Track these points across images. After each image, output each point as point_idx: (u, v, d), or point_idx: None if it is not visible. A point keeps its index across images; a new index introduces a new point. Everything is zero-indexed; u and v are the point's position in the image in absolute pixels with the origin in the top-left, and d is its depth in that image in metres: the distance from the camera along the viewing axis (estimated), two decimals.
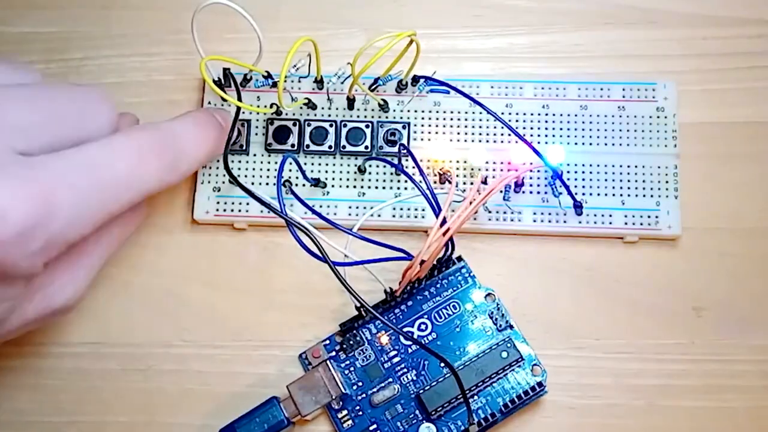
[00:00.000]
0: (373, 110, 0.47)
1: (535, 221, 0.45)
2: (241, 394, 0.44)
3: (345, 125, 0.46)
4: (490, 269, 0.45)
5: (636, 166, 0.45)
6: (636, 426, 0.43)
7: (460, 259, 0.45)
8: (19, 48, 0.49)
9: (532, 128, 0.46)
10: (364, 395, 0.43)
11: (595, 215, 0.45)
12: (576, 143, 0.46)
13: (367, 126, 0.46)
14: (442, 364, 0.43)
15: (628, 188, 0.45)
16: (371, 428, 0.43)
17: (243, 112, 0.46)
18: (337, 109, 0.47)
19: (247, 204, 0.45)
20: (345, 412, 0.43)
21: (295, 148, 0.46)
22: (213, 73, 0.45)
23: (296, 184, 0.45)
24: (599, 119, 0.46)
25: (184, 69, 0.49)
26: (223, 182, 0.46)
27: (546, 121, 0.46)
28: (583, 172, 0.46)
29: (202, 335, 0.45)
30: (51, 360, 0.45)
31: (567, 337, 0.44)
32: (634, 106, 0.46)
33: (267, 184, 0.46)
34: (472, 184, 0.45)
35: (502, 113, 0.46)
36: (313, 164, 0.46)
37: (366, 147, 0.46)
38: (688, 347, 0.44)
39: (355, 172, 0.46)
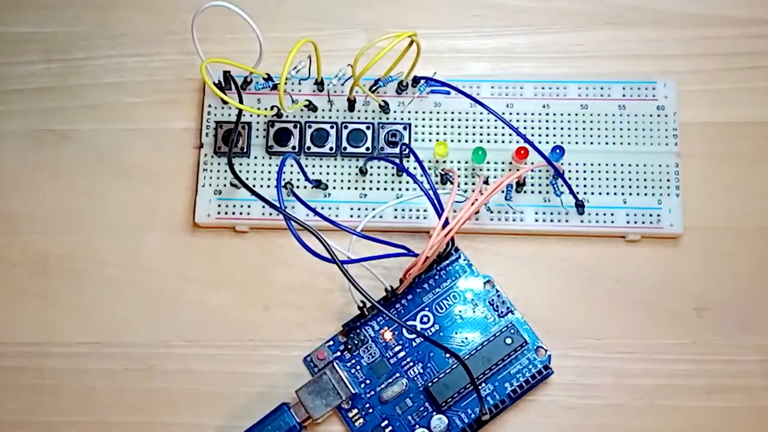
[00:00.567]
0: (373, 111, 0.46)
1: (536, 221, 0.45)
2: (243, 393, 0.44)
3: (346, 127, 0.46)
4: (492, 269, 0.45)
5: (637, 165, 0.45)
6: (637, 426, 0.43)
7: (456, 249, 0.45)
8: (19, 48, 0.49)
9: (533, 128, 0.46)
10: (372, 392, 0.43)
11: (596, 214, 0.45)
12: (577, 142, 0.46)
13: (368, 127, 0.46)
14: (448, 355, 0.43)
15: (630, 187, 0.45)
16: (383, 425, 0.43)
17: (244, 115, 0.46)
18: (337, 110, 0.47)
19: (249, 207, 0.45)
20: (355, 411, 0.43)
21: (296, 150, 0.46)
22: (213, 76, 0.45)
23: (298, 186, 0.45)
24: (600, 118, 0.46)
25: (185, 69, 0.48)
26: (224, 185, 0.46)
27: (547, 121, 0.46)
28: (585, 171, 0.46)
29: (204, 335, 0.45)
30: (51, 360, 0.45)
31: (568, 336, 0.44)
32: (635, 105, 0.46)
33: (268, 186, 0.46)
34: (474, 184, 0.45)
35: (503, 113, 0.46)
36: (314, 166, 0.46)
37: (367, 148, 0.46)
38: (689, 347, 0.44)
39: (357, 174, 0.46)
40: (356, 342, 0.44)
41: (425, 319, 0.44)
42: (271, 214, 0.45)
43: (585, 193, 0.45)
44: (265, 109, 0.46)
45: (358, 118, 0.46)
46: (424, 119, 0.46)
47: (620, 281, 0.45)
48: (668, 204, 0.45)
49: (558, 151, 0.44)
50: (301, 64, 0.45)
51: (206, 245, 0.46)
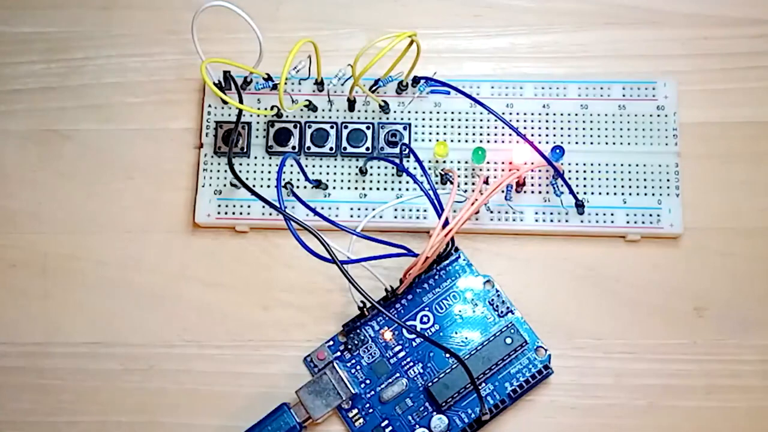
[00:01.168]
0: (373, 111, 0.47)
1: (536, 221, 0.45)
2: (243, 393, 0.44)
3: (346, 127, 0.46)
4: (492, 269, 0.45)
5: (637, 165, 0.45)
6: (637, 426, 0.43)
7: (456, 249, 0.45)
8: (19, 48, 0.49)
9: (533, 128, 0.46)
10: (372, 392, 0.43)
11: (596, 214, 0.45)
12: (577, 142, 0.46)
13: (368, 127, 0.46)
14: (448, 355, 0.43)
15: (630, 187, 0.45)
16: (383, 424, 0.43)
17: (244, 115, 0.46)
18: (337, 110, 0.47)
19: (249, 207, 0.45)
20: (355, 411, 0.43)
21: (296, 150, 0.46)
22: (213, 76, 0.45)
23: (297, 186, 0.45)
24: (600, 118, 0.46)
25: (185, 69, 0.48)
26: (224, 185, 0.46)
27: (547, 121, 0.46)
28: (585, 171, 0.46)
29: (204, 335, 0.45)
30: (52, 360, 0.45)
31: (568, 336, 0.44)
32: (635, 105, 0.46)
33: (268, 186, 0.46)
34: (474, 184, 0.45)
35: (503, 113, 0.46)
36: (314, 166, 0.46)
37: (367, 148, 0.46)
38: (689, 347, 0.44)
39: (357, 174, 0.46)
40: (356, 342, 0.44)
41: (425, 319, 0.44)
42: (271, 214, 0.45)
43: (585, 193, 0.45)
44: (265, 109, 0.46)
45: (358, 118, 0.46)
46: (424, 119, 0.46)
47: (620, 281, 0.45)
48: (668, 204, 0.45)
49: (558, 151, 0.44)
50: (301, 64, 0.45)
51: (206, 245, 0.46)
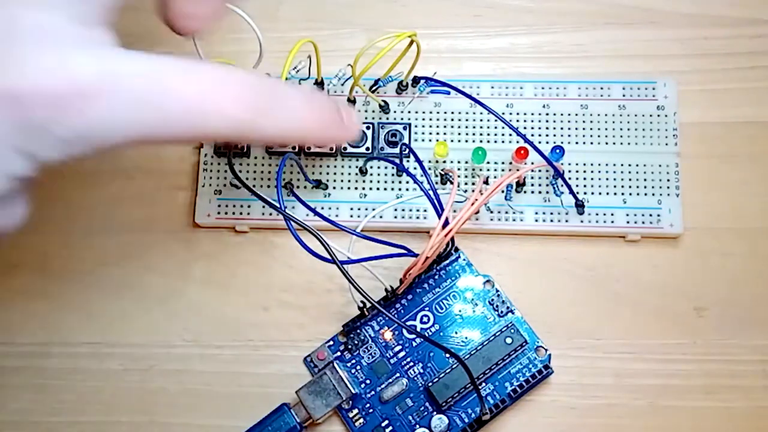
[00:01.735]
0: (373, 111, 0.47)
1: (536, 221, 0.45)
2: (243, 393, 0.44)
3: None
4: (492, 269, 0.45)
5: (637, 165, 0.45)
6: (637, 426, 0.43)
7: (456, 249, 0.45)
8: None
9: (532, 128, 0.46)
10: (373, 392, 0.43)
11: (596, 214, 0.45)
12: (577, 143, 0.46)
13: (368, 127, 0.46)
14: (448, 355, 0.43)
15: (630, 187, 0.45)
16: (383, 425, 0.43)
17: None
18: None
19: (249, 207, 0.45)
20: (356, 411, 0.43)
21: (296, 149, 0.46)
22: None
23: (297, 186, 0.45)
24: (600, 118, 0.46)
25: None
26: (224, 185, 0.46)
27: (546, 121, 0.46)
28: (585, 171, 0.46)
29: (204, 335, 0.45)
30: (52, 360, 0.45)
31: (568, 336, 0.44)
32: (635, 105, 0.46)
33: (268, 186, 0.46)
34: (474, 184, 0.45)
35: (503, 113, 0.46)
36: (314, 166, 0.46)
37: (367, 148, 0.46)
38: (689, 347, 0.44)
39: (357, 174, 0.46)
40: (356, 342, 0.44)
41: (425, 319, 0.44)
42: (271, 214, 0.45)
43: (585, 193, 0.45)
44: None
45: (358, 118, 0.46)
46: (424, 119, 0.46)
47: (620, 281, 0.45)
48: (668, 204, 0.45)
49: (558, 151, 0.44)
50: (301, 64, 0.45)
51: (206, 245, 0.46)
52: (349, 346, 0.44)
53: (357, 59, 0.41)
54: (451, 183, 0.44)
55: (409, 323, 0.44)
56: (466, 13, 0.49)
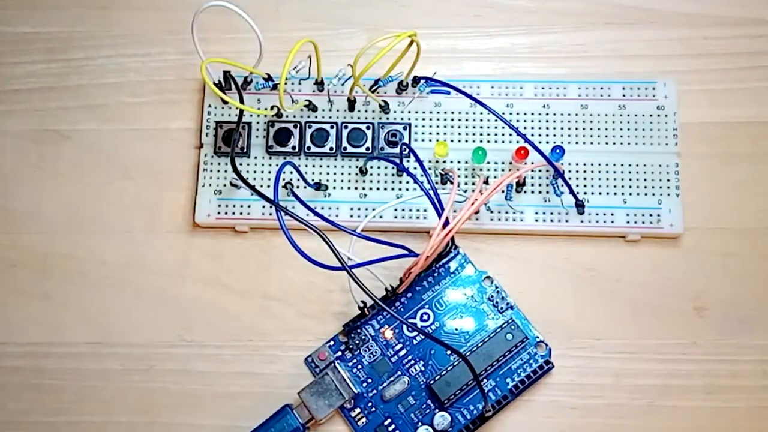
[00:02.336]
0: (374, 111, 0.47)
1: (537, 221, 0.45)
2: (242, 394, 0.44)
3: (346, 127, 0.46)
4: (492, 269, 0.45)
5: (637, 165, 0.45)
6: (637, 426, 0.43)
7: (455, 247, 0.45)
8: (19, 48, 0.49)
9: (532, 128, 0.46)
10: (375, 391, 0.43)
11: (597, 214, 0.45)
12: (577, 142, 0.46)
13: (368, 127, 0.46)
14: (449, 352, 0.43)
15: (630, 187, 0.45)
16: (386, 423, 0.43)
17: (244, 115, 0.46)
18: (337, 110, 0.47)
19: (249, 206, 0.45)
20: (358, 410, 0.43)
21: (296, 150, 0.46)
22: (213, 76, 0.45)
23: (297, 186, 0.45)
24: (600, 118, 0.46)
25: (184, 69, 0.48)
26: (224, 185, 0.46)
27: (547, 121, 0.46)
28: (585, 171, 0.46)
29: (204, 335, 0.45)
30: (52, 360, 0.45)
31: (568, 336, 0.44)
32: (635, 105, 0.46)
33: (268, 186, 0.46)
34: (474, 184, 0.45)
35: (503, 113, 0.46)
36: (314, 166, 0.46)
37: (367, 148, 0.46)
38: (689, 347, 0.44)
39: (357, 174, 0.46)
40: (357, 341, 0.44)
41: (425, 317, 0.44)
42: (270, 214, 0.45)
43: (585, 193, 0.45)
44: (265, 109, 0.46)
45: (358, 118, 0.46)
46: (424, 119, 0.46)
47: (620, 281, 0.45)
48: (668, 204, 0.45)
49: (558, 150, 0.44)
50: (301, 64, 0.45)
51: (206, 245, 0.46)
52: (350, 346, 0.44)
53: (357, 59, 0.41)
54: (451, 183, 0.44)
55: (409, 321, 0.44)
56: (466, 13, 0.49)
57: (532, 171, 0.45)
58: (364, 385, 0.43)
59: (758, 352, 0.44)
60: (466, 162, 0.46)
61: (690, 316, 0.44)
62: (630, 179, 0.45)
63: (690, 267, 0.45)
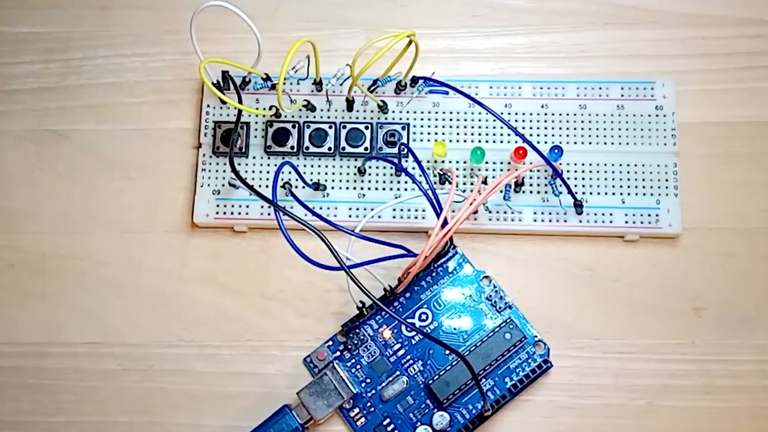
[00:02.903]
0: (372, 111, 0.47)
1: (535, 221, 0.45)
2: (241, 394, 0.44)
3: (344, 127, 0.46)
4: (491, 269, 0.45)
5: (636, 165, 0.45)
6: (636, 426, 0.43)
7: (454, 246, 0.45)
8: (18, 48, 0.49)
9: (531, 128, 0.46)
10: (373, 391, 0.43)
11: (595, 214, 0.45)
12: (575, 142, 0.46)
13: (366, 127, 0.46)
14: (447, 352, 0.43)
15: (628, 187, 0.45)
16: (385, 423, 0.43)
17: (242, 115, 0.46)
18: (336, 110, 0.47)
19: (247, 207, 0.45)
20: (357, 410, 0.43)
21: (295, 150, 0.46)
22: (212, 76, 0.45)
23: (296, 186, 0.45)
24: (598, 118, 0.46)
25: (183, 69, 0.48)
26: (223, 185, 0.46)
27: (545, 121, 0.46)
28: (583, 171, 0.46)
29: (202, 336, 0.45)
30: (50, 360, 0.45)
31: (567, 336, 0.44)
32: (633, 105, 0.46)
33: (267, 186, 0.46)
34: (472, 184, 0.45)
35: (502, 113, 0.46)
36: (312, 166, 0.46)
37: (365, 148, 0.46)
38: (688, 347, 0.44)
39: (355, 174, 0.46)
40: (356, 341, 0.44)
41: (423, 317, 0.44)
42: (269, 214, 0.45)
43: (583, 193, 0.45)
44: (264, 109, 0.46)
45: (357, 118, 0.46)
46: (422, 119, 0.46)
47: (619, 281, 0.45)
48: (667, 204, 0.45)
49: (556, 151, 0.44)
50: (299, 64, 0.45)
51: (205, 245, 0.46)
52: (349, 346, 0.44)
53: (355, 59, 0.41)
54: (450, 183, 0.44)
55: (407, 321, 0.44)
56: (464, 13, 0.49)
57: (531, 171, 0.45)
58: (363, 385, 0.43)
59: (757, 352, 0.44)
60: (465, 162, 0.46)
61: (689, 316, 0.44)
62: (628, 179, 0.45)
63: (689, 267, 0.45)
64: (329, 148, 0.46)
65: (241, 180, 0.40)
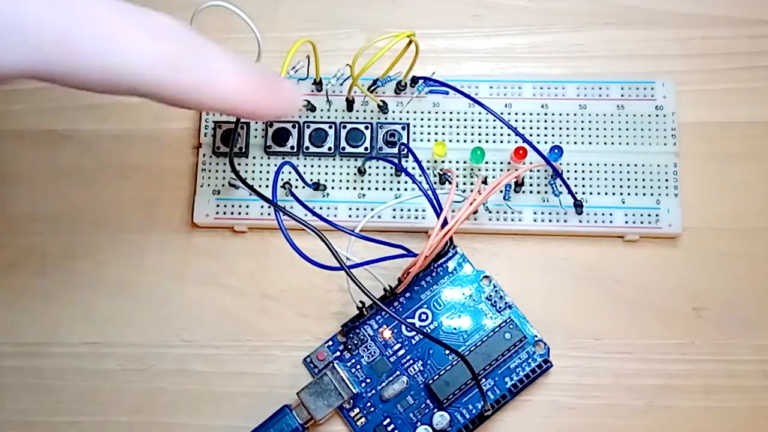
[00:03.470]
0: (372, 111, 0.47)
1: (535, 221, 0.45)
2: (241, 394, 0.44)
3: (344, 127, 0.46)
4: (490, 269, 0.45)
5: (636, 165, 0.45)
6: (636, 426, 0.43)
7: (453, 246, 0.45)
8: None
9: (531, 128, 0.46)
10: (373, 391, 0.43)
11: (595, 214, 0.45)
12: (575, 142, 0.46)
13: (366, 127, 0.46)
14: (447, 352, 0.43)
15: (628, 187, 0.45)
16: (385, 423, 0.43)
17: None
18: (336, 110, 0.47)
19: (247, 207, 0.45)
20: (357, 410, 0.43)
21: (295, 150, 0.46)
22: None
23: (296, 186, 0.45)
24: (598, 118, 0.46)
25: None
26: (223, 185, 0.46)
27: (545, 121, 0.46)
28: (583, 171, 0.46)
29: (202, 336, 0.45)
30: (51, 360, 0.45)
31: (567, 336, 0.44)
32: (633, 105, 0.46)
33: (267, 186, 0.46)
34: (472, 184, 0.45)
35: (502, 113, 0.46)
36: (312, 166, 0.46)
37: (365, 148, 0.46)
38: (688, 347, 0.44)
39: (355, 174, 0.46)
40: (356, 342, 0.44)
41: (424, 317, 0.44)
42: (269, 214, 0.45)
43: (583, 193, 0.45)
44: None
45: (357, 118, 0.46)
46: (422, 119, 0.46)
47: (619, 281, 0.45)
48: (667, 204, 0.45)
49: (556, 151, 0.44)
50: (299, 64, 0.45)
51: (205, 245, 0.46)
52: (349, 346, 0.44)
53: (355, 59, 0.41)
54: (450, 183, 0.44)
55: (407, 321, 0.44)
56: (464, 13, 0.49)
57: (531, 171, 0.45)
58: (363, 385, 0.43)
59: (757, 352, 0.44)
60: (465, 162, 0.46)
61: (689, 316, 0.44)
62: (628, 179, 0.45)
63: (689, 267, 0.45)
64: (329, 148, 0.46)
65: (241, 180, 0.40)
